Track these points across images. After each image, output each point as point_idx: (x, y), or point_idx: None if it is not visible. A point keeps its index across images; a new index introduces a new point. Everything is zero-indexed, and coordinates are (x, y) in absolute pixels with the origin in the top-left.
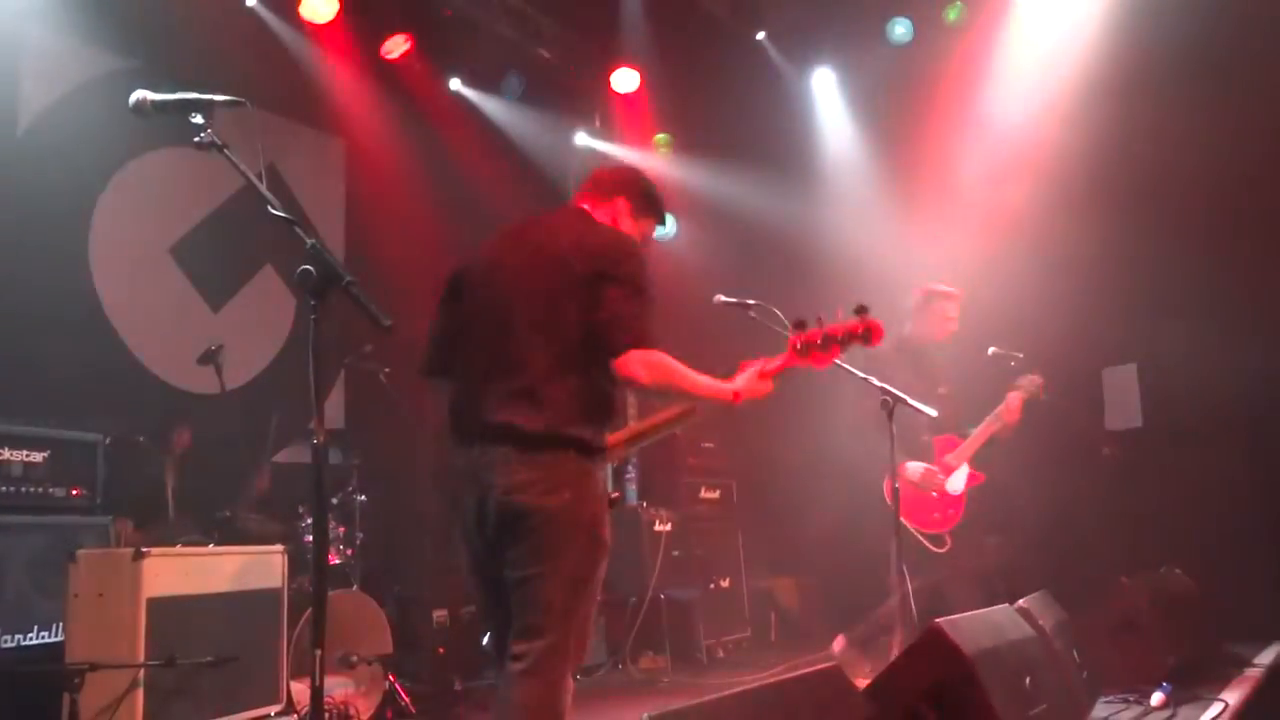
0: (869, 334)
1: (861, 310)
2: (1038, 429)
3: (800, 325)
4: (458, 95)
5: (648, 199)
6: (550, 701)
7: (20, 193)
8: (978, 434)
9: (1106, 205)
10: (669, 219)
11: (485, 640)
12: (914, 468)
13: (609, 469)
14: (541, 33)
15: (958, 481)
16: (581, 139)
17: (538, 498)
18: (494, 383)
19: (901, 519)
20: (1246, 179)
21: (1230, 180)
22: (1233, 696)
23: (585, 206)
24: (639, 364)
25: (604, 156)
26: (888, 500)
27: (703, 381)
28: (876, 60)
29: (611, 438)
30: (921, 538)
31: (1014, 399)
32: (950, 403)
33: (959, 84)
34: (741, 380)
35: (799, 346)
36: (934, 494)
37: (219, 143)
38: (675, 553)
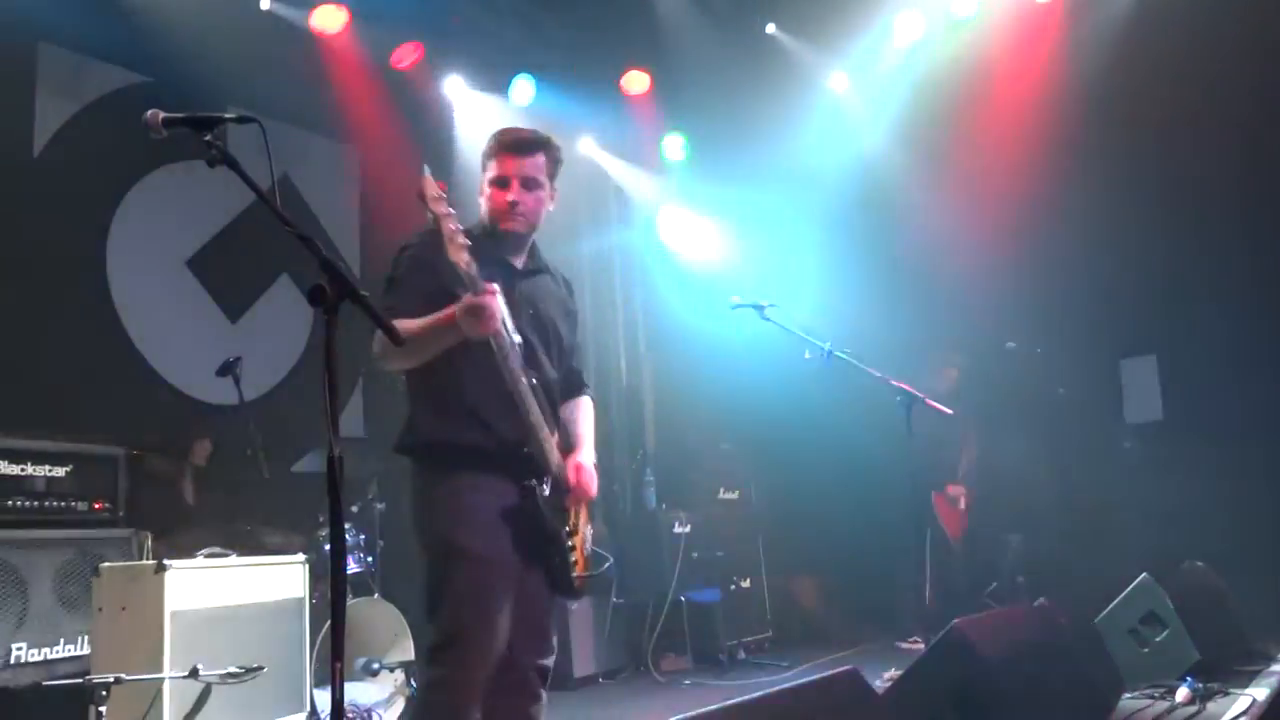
0: None
1: None
2: (1058, 424)
3: None
4: (465, 100)
5: (484, 157)
6: None
7: (38, 207)
8: None
9: (1123, 192)
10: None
11: None
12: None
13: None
14: (550, 37)
15: None
16: (586, 146)
17: None
18: None
19: None
20: (1274, 167)
21: (1257, 168)
22: (1260, 692)
23: None
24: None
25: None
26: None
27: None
28: (888, 54)
29: None
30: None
31: None
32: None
33: (973, 77)
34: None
35: None
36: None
37: (231, 160)
38: (695, 554)
